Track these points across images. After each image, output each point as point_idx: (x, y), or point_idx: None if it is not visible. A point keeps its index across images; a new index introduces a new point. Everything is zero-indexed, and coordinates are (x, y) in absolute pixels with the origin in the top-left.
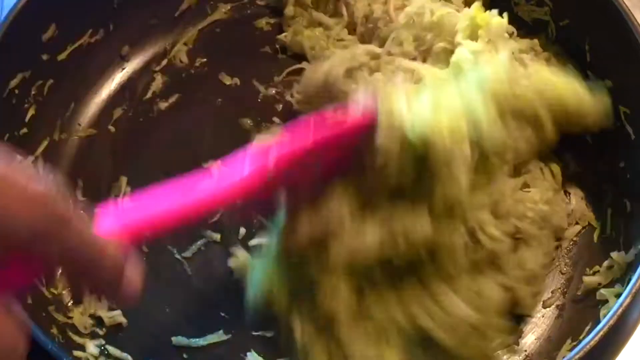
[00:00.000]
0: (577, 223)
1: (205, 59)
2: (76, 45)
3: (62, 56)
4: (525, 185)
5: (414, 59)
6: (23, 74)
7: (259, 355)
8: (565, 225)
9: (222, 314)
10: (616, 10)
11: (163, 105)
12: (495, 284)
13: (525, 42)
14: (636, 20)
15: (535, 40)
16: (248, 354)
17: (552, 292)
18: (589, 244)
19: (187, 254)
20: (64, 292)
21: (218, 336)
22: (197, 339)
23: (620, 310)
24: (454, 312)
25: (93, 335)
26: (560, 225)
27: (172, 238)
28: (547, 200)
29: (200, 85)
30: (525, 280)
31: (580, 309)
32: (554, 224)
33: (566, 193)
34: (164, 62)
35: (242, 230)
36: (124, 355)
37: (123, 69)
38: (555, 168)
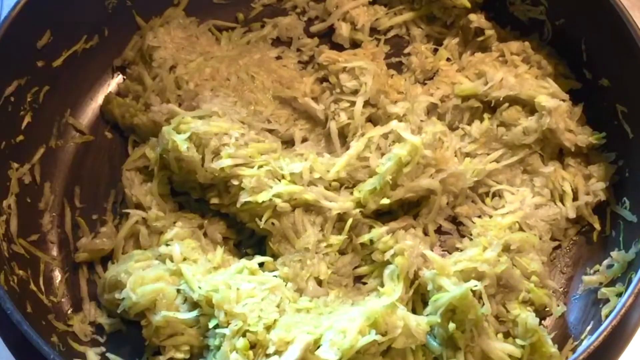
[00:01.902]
0: (576, 222)
1: None
2: (71, 51)
3: (57, 62)
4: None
5: None
6: (18, 81)
7: None
8: (564, 225)
9: None
10: (612, 9)
11: None
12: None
13: (516, 45)
14: (632, 18)
15: (527, 43)
16: None
17: (553, 292)
18: (589, 244)
19: None
20: (63, 299)
21: None
22: None
23: (623, 310)
24: None
25: (93, 343)
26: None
27: None
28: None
29: None
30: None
31: (581, 308)
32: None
33: (565, 193)
34: None
35: None
36: None
37: (119, 73)
38: (554, 166)
